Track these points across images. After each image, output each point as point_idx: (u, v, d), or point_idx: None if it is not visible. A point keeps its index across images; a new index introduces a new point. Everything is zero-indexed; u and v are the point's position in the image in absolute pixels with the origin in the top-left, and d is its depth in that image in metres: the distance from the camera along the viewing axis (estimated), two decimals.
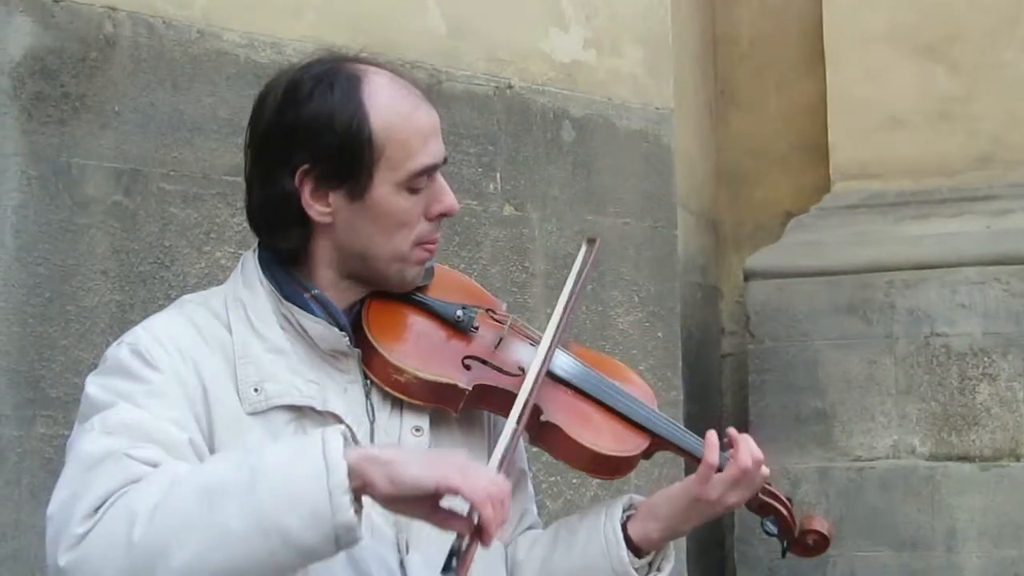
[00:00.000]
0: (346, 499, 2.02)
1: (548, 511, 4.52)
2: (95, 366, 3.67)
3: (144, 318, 3.51)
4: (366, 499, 2.09)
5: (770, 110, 7.41)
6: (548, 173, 4.96)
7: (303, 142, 2.36)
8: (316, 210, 2.38)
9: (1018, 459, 6.05)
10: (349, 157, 2.36)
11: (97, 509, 2.10)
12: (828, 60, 6.90)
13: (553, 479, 4.72)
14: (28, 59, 3.69)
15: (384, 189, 2.38)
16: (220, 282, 3.95)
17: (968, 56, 6.65)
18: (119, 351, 2.34)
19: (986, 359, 6.13)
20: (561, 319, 2.60)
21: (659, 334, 5.28)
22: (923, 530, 6.06)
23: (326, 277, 2.44)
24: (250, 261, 2.48)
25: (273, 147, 2.41)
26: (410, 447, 2.41)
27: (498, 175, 4.73)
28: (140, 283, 3.86)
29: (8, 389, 3.61)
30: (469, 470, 2.08)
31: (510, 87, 4.85)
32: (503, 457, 2.30)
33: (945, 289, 6.22)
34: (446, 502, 2.08)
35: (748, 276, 6.59)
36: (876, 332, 6.31)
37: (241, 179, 3.67)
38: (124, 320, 3.79)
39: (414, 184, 2.39)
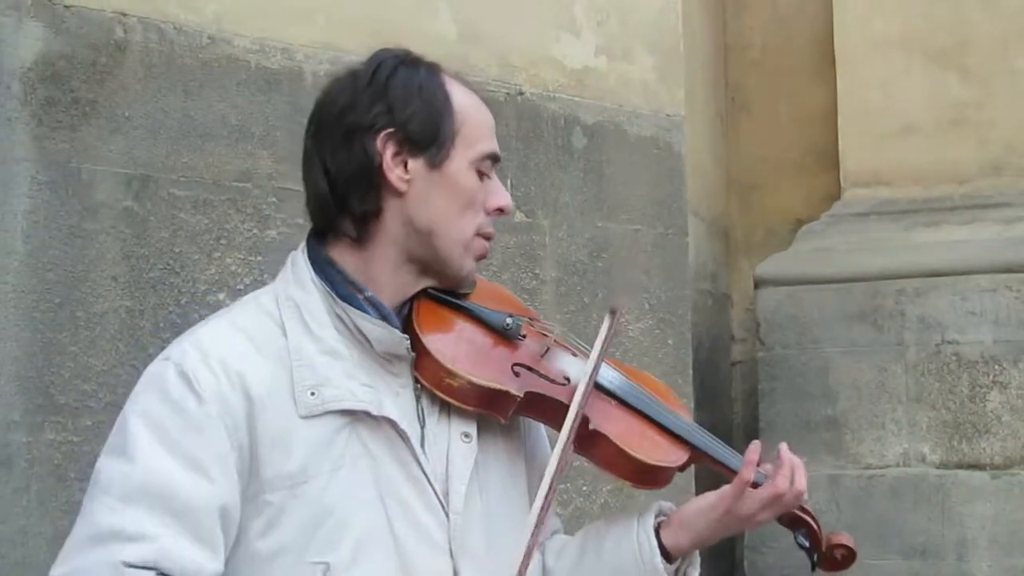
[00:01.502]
0: None
1: (559, 518, 4.50)
2: (104, 372, 3.71)
3: (154, 324, 3.51)
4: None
5: (781, 117, 7.42)
6: (559, 179, 4.95)
7: (390, 107, 2.44)
8: (396, 174, 2.43)
9: None
10: (433, 124, 2.44)
11: None
12: (839, 67, 6.90)
13: (562, 487, 4.70)
14: (39, 64, 3.68)
15: (459, 163, 2.46)
16: (231, 288, 3.98)
17: (980, 63, 6.64)
18: (166, 370, 2.33)
19: (997, 367, 6.13)
20: (610, 328, 2.64)
21: (669, 341, 5.27)
22: (933, 538, 6.06)
23: (385, 260, 2.45)
24: (300, 260, 2.50)
25: (356, 114, 2.45)
26: (461, 454, 2.44)
27: (508, 181, 4.72)
28: (150, 289, 3.85)
29: (17, 395, 3.60)
30: None
31: (521, 93, 4.85)
32: (555, 473, 2.36)
33: (956, 297, 6.21)
34: None
35: (758, 283, 6.58)
36: (887, 340, 6.30)
37: (251, 185, 3.67)
38: (134, 326, 3.79)
39: (482, 167, 2.49)
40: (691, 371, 5.46)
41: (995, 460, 6.09)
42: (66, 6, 3.74)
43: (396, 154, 2.42)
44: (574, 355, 2.61)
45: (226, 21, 4.07)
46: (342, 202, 2.45)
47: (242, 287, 4.00)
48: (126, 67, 3.85)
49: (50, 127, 3.68)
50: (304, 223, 4.09)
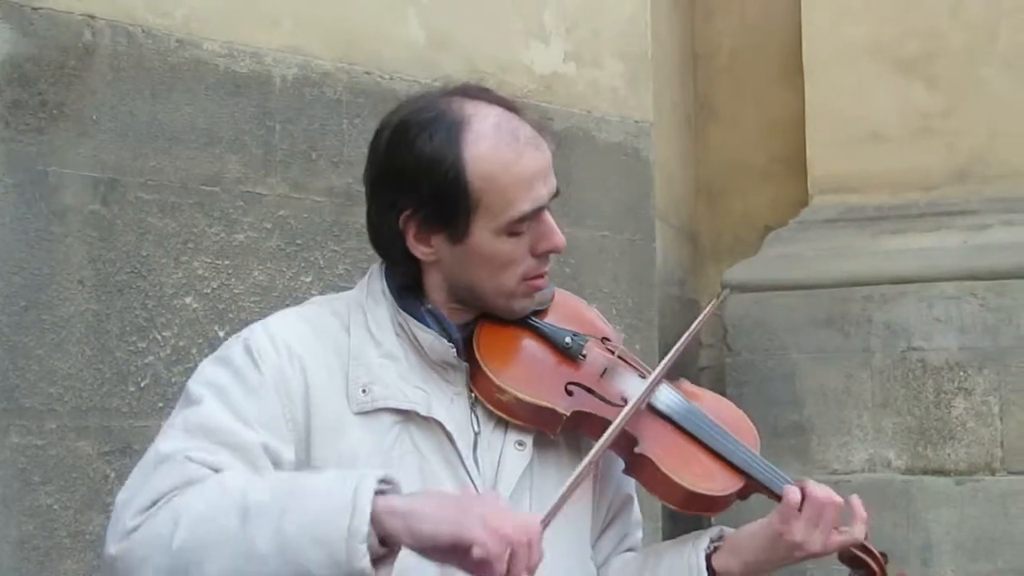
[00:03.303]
0: (362, 547, 2.08)
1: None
2: (71, 375, 3.71)
3: (120, 328, 3.52)
4: None
5: (749, 124, 7.42)
6: None
7: (405, 188, 2.44)
8: (420, 250, 2.47)
9: (993, 473, 6.06)
10: (446, 206, 2.41)
11: (149, 507, 2.22)
12: (807, 74, 6.91)
13: None
14: (6, 67, 3.68)
15: (483, 235, 2.43)
16: (197, 292, 3.99)
17: (947, 71, 6.67)
18: (236, 344, 2.45)
19: (962, 373, 6.15)
20: (672, 355, 2.64)
21: (637, 346, 5.27)
22: (898, 543, 6.07)
23: (438, 300, 2.51)
24: (376, 273, 2.56)
25: (381, 189, 2.49)
26: (512, 460, 2.48)
27: None
28: (117, 292, 3.84)
29: None
30: (493, 519, 2.12)
31: None
32: (568, 489, 2.34)
33: (922, 303, 6.23)
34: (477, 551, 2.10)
35: (726, 289, 6.59)
36: (853, 346, 6.32)
37: (219, 189, 3.68)
38: (100, 330, 3.78)
39: (514, 229, 2.44)
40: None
41: (959, 466, 6.11)
42: (34, 8, 3.73)
43: (417, 233, 2.45)
44: (641, 376, 2.62)
45: (195, 25, 4.07)
46: (387, 259, 2.54)
47: (209, 291, 4.00)
48: (94, 70, 3.85)
49: (17, 130, 3.68)
50: (271, 227, 4.12)
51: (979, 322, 6.15)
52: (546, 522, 2.23)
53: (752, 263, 6.74)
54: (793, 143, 7.04)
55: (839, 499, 2.59)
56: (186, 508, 2.18)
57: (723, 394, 6.49)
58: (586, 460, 2.38)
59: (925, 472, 6.16)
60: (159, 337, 3.92)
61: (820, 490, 2.57)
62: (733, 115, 7.49)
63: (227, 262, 4.07)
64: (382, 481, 2.15)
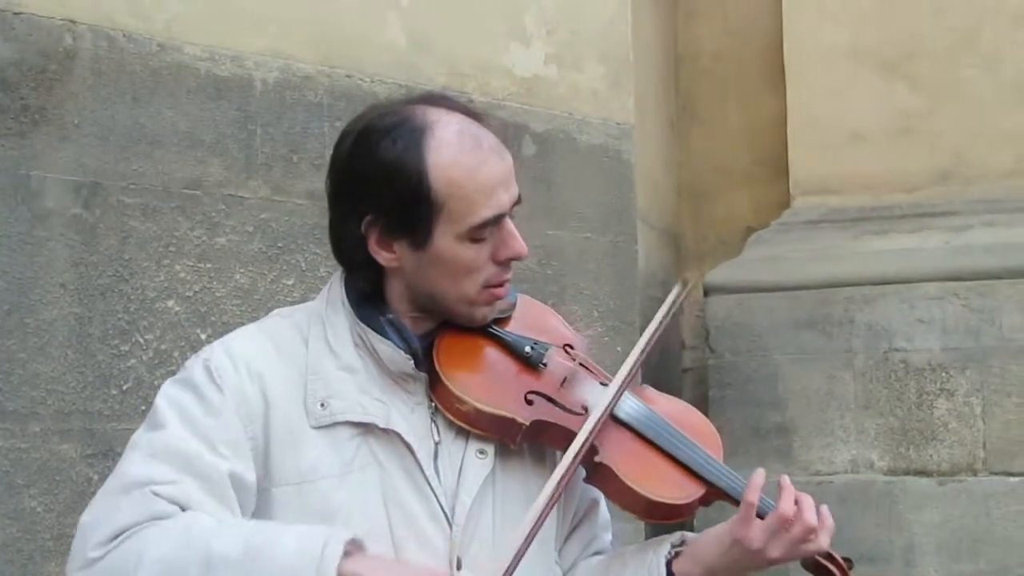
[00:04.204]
0: None
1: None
2: (53, 379, 3.72)
3: (103, 331, 3.53)
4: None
5: (731, 126, 7.43)
6: None
7: (368, 194, 2.44)
8: (383, 256, 2.47)
9: (975, 474, 6.08)
10: (409, 212, 2.42)
11: (113, 539, 2.24)
12: (789, 76, 6.92)
13: None
14: None
15: (446, 241, 2.43)
16: (180, 295, 3.99)
17: (929, 72, 6.68)
18: (196, 363, 2.45)
19: (944, 374, 6.15)
20: (635, 363, 2.65)
21: (619, 348, 5.29)
22: (881, 544, 6.08)
23: (400, 309, 2.52)
24: (336, 282, 2.57)
25: (344, 194, 2.50)
26: (473, 468, 2.48)
27: None
28: (99, 296, 3.85)
29: None
30: None
31: (471, 101, 4.85)
32: (542, 511, 2.37)
33: (904, 305, 6.23)
34: None
35: (708, 291, 6.60)
36: (835, 347, 6.32)
37: (200, 192, 3.68)
38: (83, 333, 3.79)
39: (476, 235, 2.44)
40: (640, 378, 5.47)
41: (942, 467, 6.12)
42: (15, 13, 3.74)
43: (379, 239, 2.45)
44: (603, 384, 2.62)
45: (176, 29, 4.07)
46: (348, 266, 2.54)
47: (191, 294, 4.01)
48: (75, 74, 3.85)
49: None
50: (253, 230, 4.12)
51: (961, 323, 6.16)
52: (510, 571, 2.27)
53: (734, 265, 6.75)
54: (775, 145, 7.05)
55: (811, 522, 2.55)
56: (149, 548, 2.21)
57: (706, 396, 6.56)
58: (547, 491, 2.40)
59: (908, 473, 6.17)
60: (141, 340, 3.92)
61: (785, 501, 2.54)
62: (715, 117, 7.49)
63: (209, 265, 4.07)
64: (350, 542, 2.20)
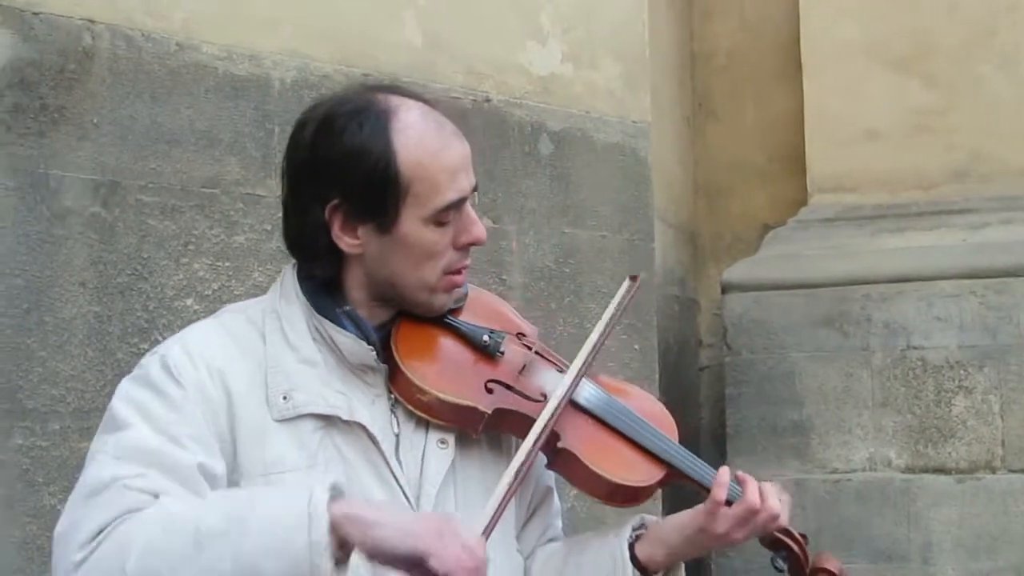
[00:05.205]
0: (325, 554, 2.10)
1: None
2: (73, 377, 3.72)
3: (122, 330, 3.53)
4: None
5: (747, 123, 7.44)
6: (525, 186, 4.97)
7: (333, 179, 2.44)
8: (346, 242, 2.47)
9: (993, 471, 6.07)
10: (376, 195, 2.42)
11: (94, 538, 2.20)
12: (805, 74, 6.93)
13: None
14: (7, 71, 3.69)
15: (411, 224, 2.44)
16: (198, 294, 4.00)
17: (944, 69, 6.68)
18: (152, 361, 2.43)
19: (962, 372, 6.15)
20: (592, 350, 2.65)
21: (636, 346, 5.29)
22: (899, 542, 6.08)
23: (358, 299, 2.52)
24: (289, 275, 2.56)
25: (305, 180, 2.49)
26: (436, 458, 2.50)
27: None
28: (118, 295, 3.86)
29: None
30: (447, 536, 2.15)
31: (488, 100, 4.87)
32: (503, 498, 2.36)
33: (921, 302, 6.24)
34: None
35: (725, 288, 6.60)
36: (853, 345, 6.32)
37: (219, 191, 3.69)
38: (102, 331, 3.80)
39: (441, 218, 2.46)
40: (658, 376, 5.48)
41: (960, 464, 6.12)
42: (34, 13, 3.75)
43: (344, 224, 2.45)
44: (559, 371, 2.64)
45: (194, 28, 4.08)
46: (305, 256, 2.53)
47: (210, 292, 4.02)
48: (94, 74, 3.86)
49: (18, 133, 3.69)
50: (271, 229, 4.13)
51: (979, 320, 6.16)
52: (487, 533, 2.27)
53: (751, 262, 6.75)
54: (792, 142, 7.06)
55: (775, 509, 2.61)
56: (133, 536, 2.17)
57: (723, 393, 6.57)
58: (516, 463, 2.41)
59: (926, 471, 6.17)
60: (160, 339, 3.92)
61: (751, 493, 2.60)
62: (731, 115, 7.51)
63: (227, 264, 4.08)
64: (332, 487, 2.18)
